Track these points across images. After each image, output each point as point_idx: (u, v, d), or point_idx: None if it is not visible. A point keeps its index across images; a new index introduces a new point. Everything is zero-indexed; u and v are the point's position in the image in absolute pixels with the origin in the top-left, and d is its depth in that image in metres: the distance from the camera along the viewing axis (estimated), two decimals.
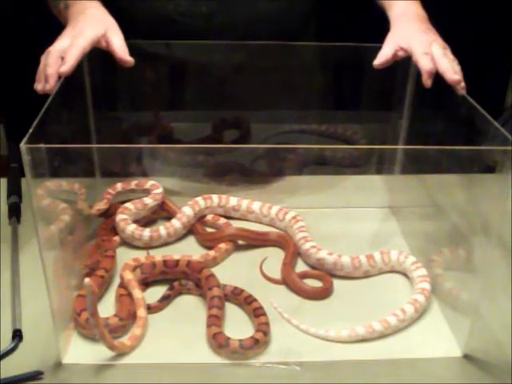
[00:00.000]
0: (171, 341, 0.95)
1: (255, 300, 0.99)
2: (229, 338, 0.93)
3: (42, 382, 0.87)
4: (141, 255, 1.10)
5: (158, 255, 1.10)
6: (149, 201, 1.19)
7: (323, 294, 1.05)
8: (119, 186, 1.20)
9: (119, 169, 1.23)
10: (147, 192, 1.21)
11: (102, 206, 1.15)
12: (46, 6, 1.25)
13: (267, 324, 0.95)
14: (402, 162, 1.23)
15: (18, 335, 0.93)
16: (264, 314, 0.97)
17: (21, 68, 1.24)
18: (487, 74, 1.90)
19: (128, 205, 1.18)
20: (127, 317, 0.97)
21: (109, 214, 1.17)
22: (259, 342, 0.92)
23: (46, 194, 0.96)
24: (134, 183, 1.21)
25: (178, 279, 1.05)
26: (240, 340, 0.92)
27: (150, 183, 1.22)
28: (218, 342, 0.93)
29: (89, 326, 0.93)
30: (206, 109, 1.39)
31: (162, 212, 1.22)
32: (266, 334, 0.94)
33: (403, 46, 1.06)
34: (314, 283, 1.07)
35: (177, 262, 1.06)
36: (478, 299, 0.92)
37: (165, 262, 1.06)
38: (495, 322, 0.99)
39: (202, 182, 1.31)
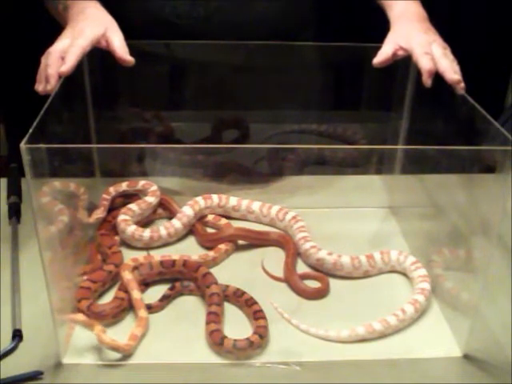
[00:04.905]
0: (171, 341, 0.95)
1: (256, 303, 0.99)
2: (224, 337, 0.93)
3: (42, 382, 0.87)
4: (139, 255, 1.10)
5: (158, 256, 1.10)
6: (151, 199, 1.19)
7: (320, 294, 1.05)
8: (112, 189, 1.19)
9: (119, 169, 1.23)
10: (141, 192, 1.21)
11: (99, 214, 1.15)
12: (46, 8, 1.25)
13: (265, 327, 0.95)
14: (402, 162, 1.23)
15: (18, 335, 0.93)
16: (263, 318, 0.96)
17: (21, 68, 1.24)
18: (487, 74, 1.89)
19: (131, 206, 1.17)
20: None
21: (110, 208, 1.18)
22: (254, 344, 0.92)
23: (48, 193, 0.96)
24: (125, 184, 1.20)
25: (180, 279, 1.05)
26: (235, 340, 0.92)
27: (142, 183, 1.21)
28: (214, 339, 0.93)
29: (89, 313, 0.94)
30: (206, 109, 1.38)
31: (165, 212, 1.22)
32: (263, 337, 0.93)
33: (403, 45, 1.06)
34: (311, 284, 1.07)
35: (174, 262, 1.06)
36: (478, 299, 0.92)
37: (162, 263, 1.06)
38: (495, 322, 0.99)
39: (202, 181, 1.30)
